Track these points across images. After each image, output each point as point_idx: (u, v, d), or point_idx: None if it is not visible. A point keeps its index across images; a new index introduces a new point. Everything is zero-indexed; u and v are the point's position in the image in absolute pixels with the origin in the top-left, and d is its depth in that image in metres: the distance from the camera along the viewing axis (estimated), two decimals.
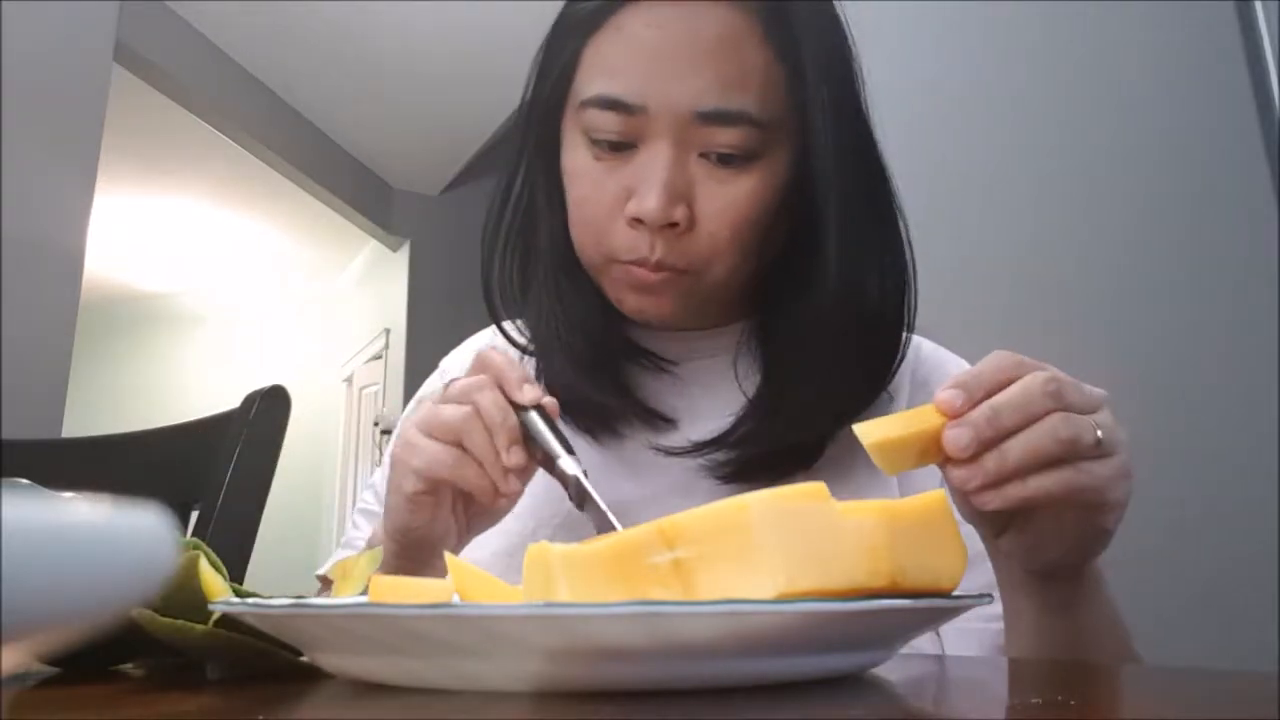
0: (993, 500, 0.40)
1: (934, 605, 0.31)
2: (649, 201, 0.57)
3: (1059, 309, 1.35)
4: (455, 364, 0.79)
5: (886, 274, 0.64)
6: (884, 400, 0.65)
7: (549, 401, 0.54)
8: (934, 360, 0.70)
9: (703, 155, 0.59)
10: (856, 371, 0.63)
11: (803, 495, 0.30)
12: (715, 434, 0.63)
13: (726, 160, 0.59)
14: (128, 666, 0.40)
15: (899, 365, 0.65)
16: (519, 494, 0.54)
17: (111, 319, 6.25)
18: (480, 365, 0.55)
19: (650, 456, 0.65)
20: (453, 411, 0.53)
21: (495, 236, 0.70)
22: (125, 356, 6.33)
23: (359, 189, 4.91)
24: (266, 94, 4.20)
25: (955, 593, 0.32)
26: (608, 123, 0.59)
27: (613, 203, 0.60)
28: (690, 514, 0.31)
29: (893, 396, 0.66)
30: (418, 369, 4.82)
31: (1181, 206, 1.37)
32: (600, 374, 0.65)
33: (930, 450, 0.40)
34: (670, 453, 0.63)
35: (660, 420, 0.66)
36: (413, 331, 4.98)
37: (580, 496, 0.53)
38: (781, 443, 0.61)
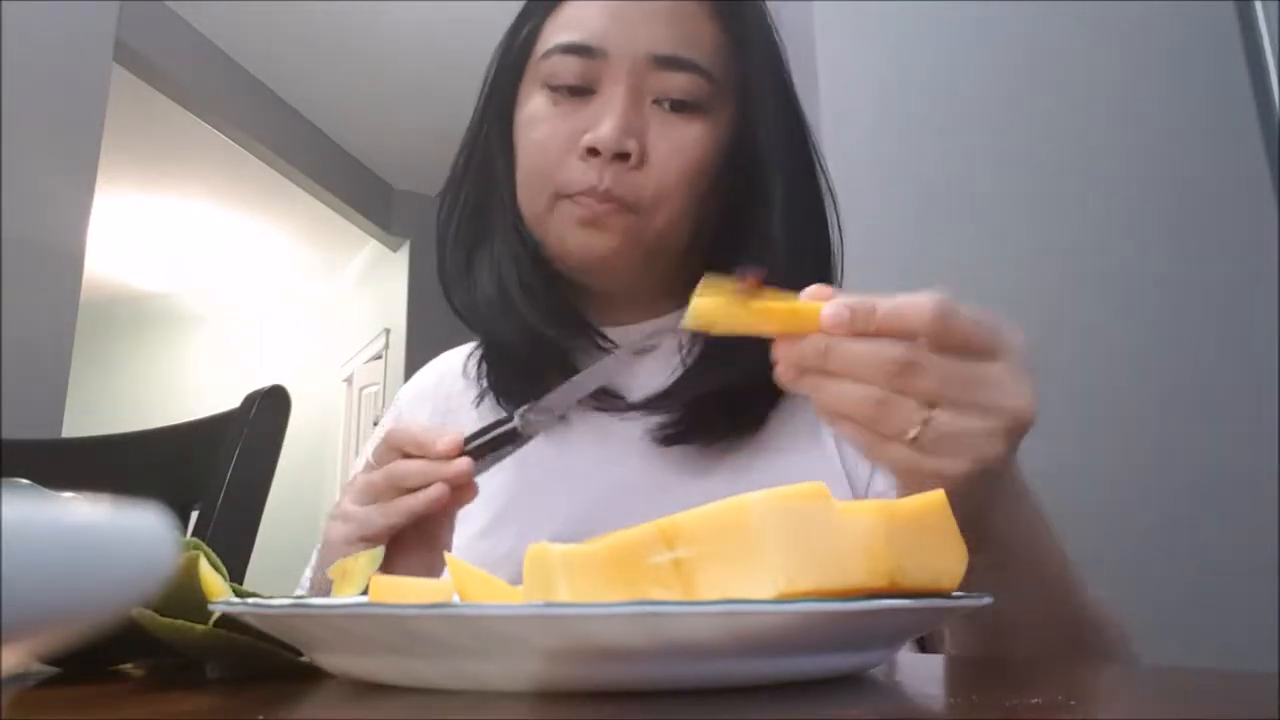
0: (791, 376, 0.40)
1: (934, 605, 0.31)
2: (604, 129, 0.61)
3: (1059, 308, 1.35)
4: (406, 394, 0.80)
5: (819, 255, 0.68)
6: None
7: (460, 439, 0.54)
8: None
9: (656, 102, 0.63)
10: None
11: (803, 495, 0.30)
12: (653, 394, 0.65)
13: (679, 107, 0.63)
14: (128, 666, 0.40)
15: None
16: (468, 473, 0.53)
17: (111, 319, 6.25)
18: (391, 442, 0.54)
19: (593, 431, 0.66)
20: (368, 476, 0.54)
21: (447, 220, 0.71)
22: (125, 356, 6.33)
23: (359, 189, 4.91)
24: (266, 94, 4.20)
25: (954, 593, 0.32)
26: (568, 66, 0.64)
27: (567, 142, 0.63)
28: (690, 514, 0.31)
29: None
30: (417, 369, 4.81)
31: (1181, 206, 1.37)
32: (548, 346, 0.66)
33: (759, 322, 0.39)
34: (611, 411, 0.65)
35: (605, 395, 0.66)
36: (413, 331, 4.98)
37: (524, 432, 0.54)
38: (712, 391, 0.62)
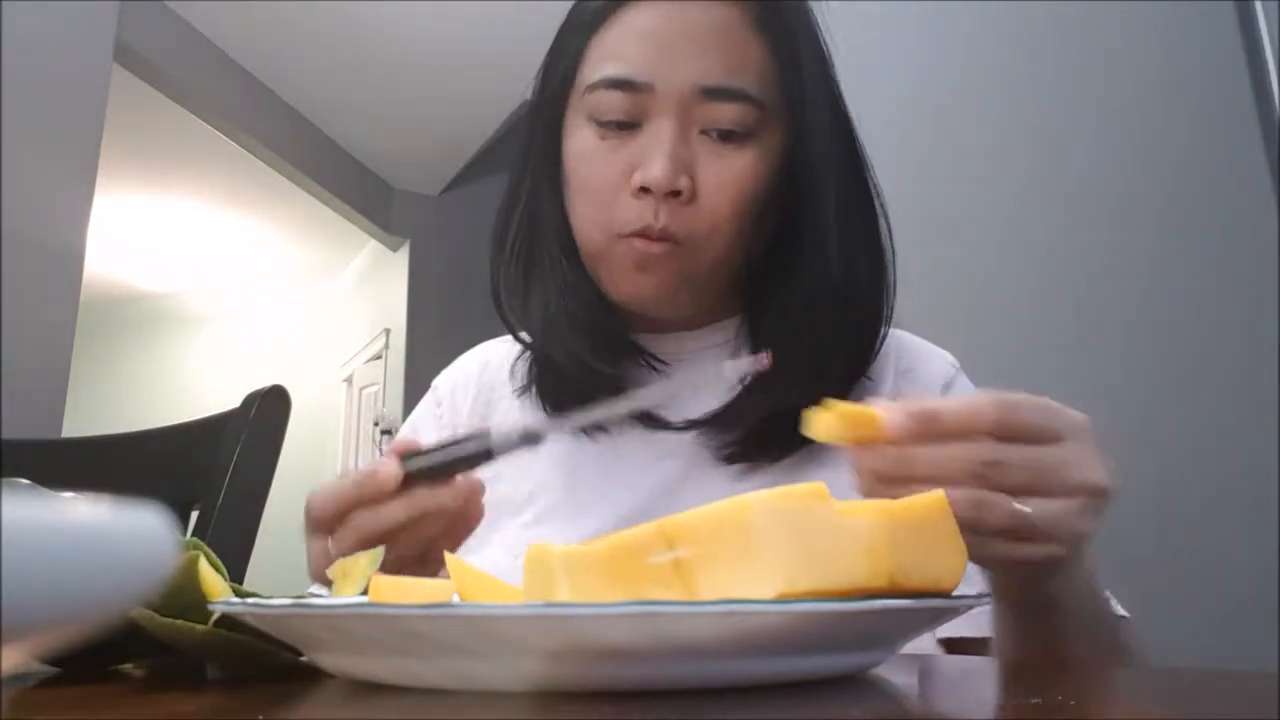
0: (869, 485, 0.40)
1: (934, 605, 0.31)
2: (654, 169, 0.60)
3: (1059, 309, 1.35)
4: (446, 381, 0.80)
5: (873, 263, 0.67)
6: (865, 385, 0.67)
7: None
8: (916, 350, 0.72)
9: (703, 133, 0.62)
10: (840, 352, 0.64)
11: (803, 495, 0.30)
12: (707, 414, 0.65)
13: (726, 136, 0.62)
14: (128, 666, 0.40)
15: (879, 349, 0.67)
16: (394, 479, 0.50)
17: (111, 319, 6.25)
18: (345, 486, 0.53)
19: (644, 451, 0.66)
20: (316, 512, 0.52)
21: (503, 238, 0.71)
22: (125, 356, 6.33)
23: (359, 189, 4.91)
24: (267, 94, 4.20)
25: (955, 592, 0.32)
26: (614, 102, 0.62)
27: (618, 178, 0.62)
28: (690, 514, 0.31)
29: (875, 382, 0.67)
30: (418, 369, 4.82)
31: (1181, 206, 1.37)
32: (598, 372, 0.66)
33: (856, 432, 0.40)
34: (666, 428, 0.65)
35: (651, 419, 0.67)
36: (413, 331, 4.98)
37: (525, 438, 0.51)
38: (769, 413, 0.62)
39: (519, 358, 0.74)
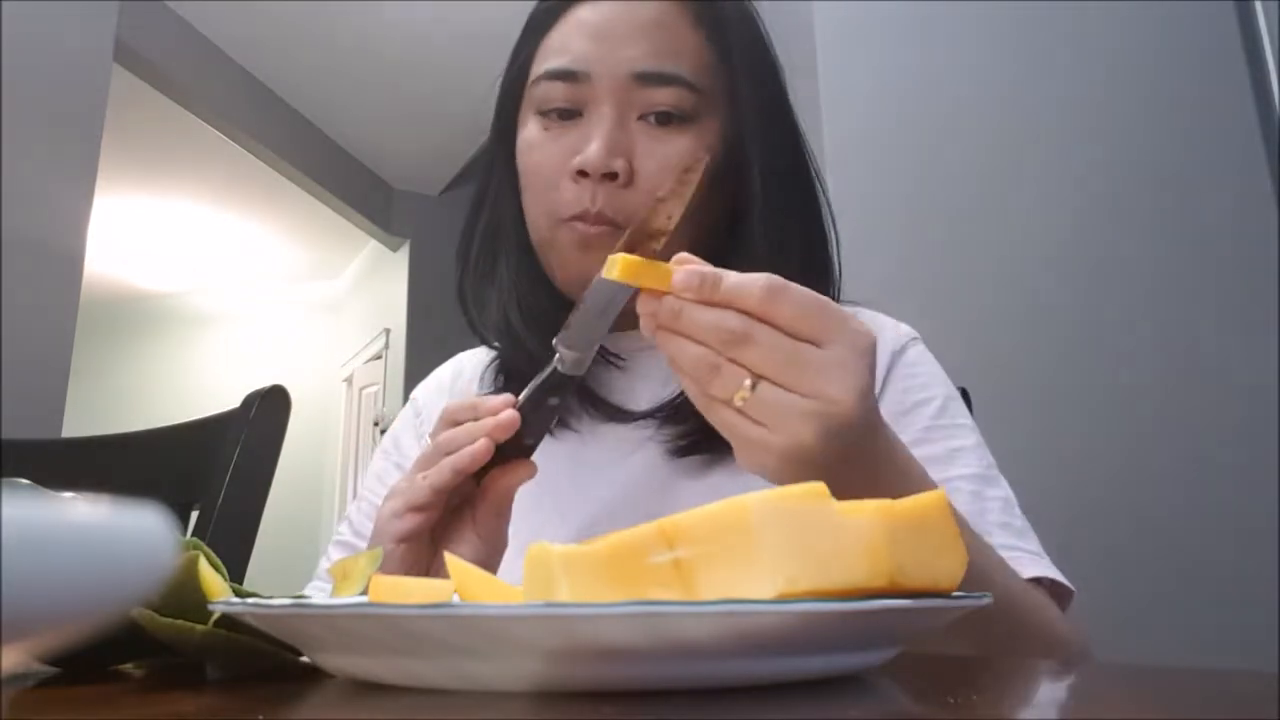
0: (649, 327, 0.43)
1: (934, 605, 0.31)
2: (590, 150, 0.62)
3: (1059, 309, 1.35)
4: (423, 391, 0.82)
5: (813, 245, 0.69)
6: None
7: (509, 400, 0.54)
8: (871, 322, 0.71)
9: (642, 119, 0.64)
10: None
11: (803, 495, 0.30)
12: (663, 402, 0.66)
13: (664, 121, 0.64)
14: (128, 666, 0.40)
15: None
16: (512, 421, 0.52)
17: (111, 319, 6.25)
18: (445, 416, 0.55)
19: (605, 448, 0.67)
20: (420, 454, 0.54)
21: (467, 252, 0.74)
22: (125, 356, 6.33)
23: (359, 189, 4.91)
24: (266, 94, 4.20)
25: (955, 593, 0.32)
26: (555, 92, 0.65)
27: (559, 164, 0.64)
28: (690, 514, 0.31)
29: None
30: (418, 369, 4.80)
31: (1181, 206, 1.37)
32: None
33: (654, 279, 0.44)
34: (621, 422, 0.67)
35: (610, 409, 0.68)
36: (413, 331, 4.98)
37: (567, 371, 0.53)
38: None
39: (489, 365, 0.75)
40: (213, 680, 0.35)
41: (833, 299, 0.67)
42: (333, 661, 0.32)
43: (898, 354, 0.69)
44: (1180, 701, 0.29)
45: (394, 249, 5.31)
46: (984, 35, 1.47)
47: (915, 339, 0.72)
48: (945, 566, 0.31)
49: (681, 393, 0.65)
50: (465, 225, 0.75)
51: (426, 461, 0.53)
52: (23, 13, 1.89)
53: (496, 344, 0.72)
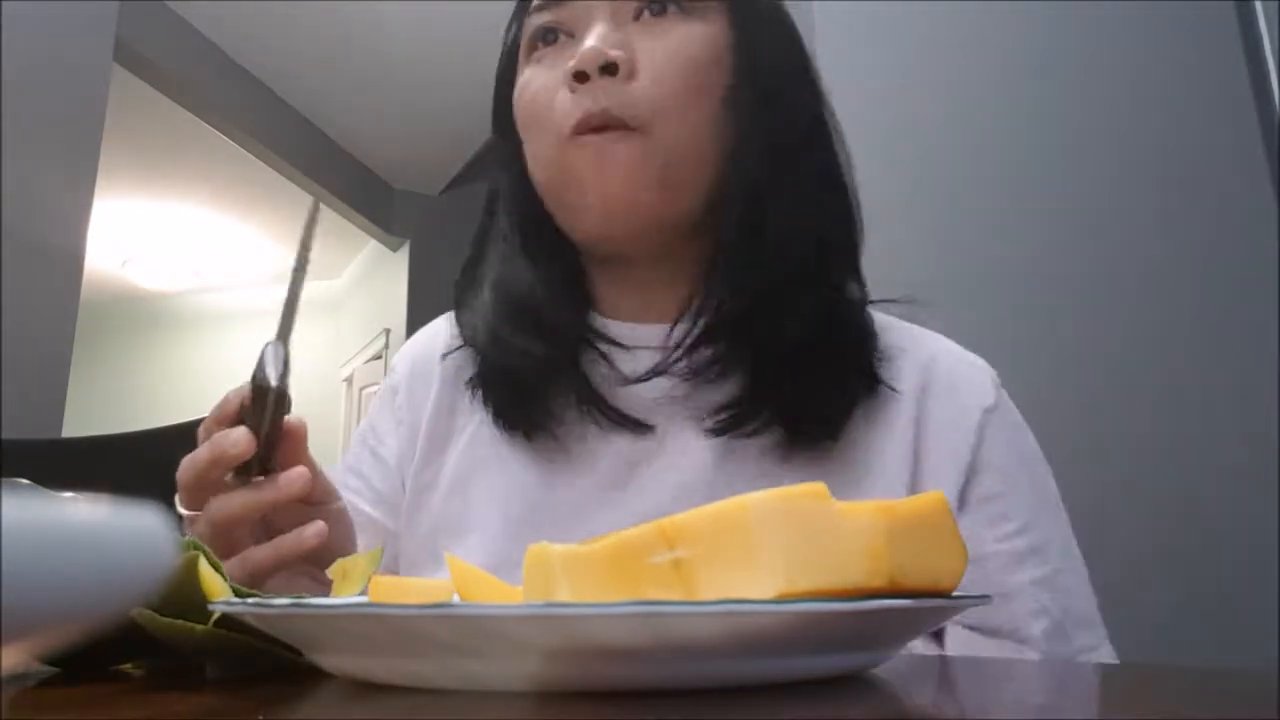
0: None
1: (934, 605, 0.30)
2: (583, 48, 0.58)
3: (1059, 309, 1.35)
4: (401, 357, 0.81)
5: (829, 208, 0.66)
6: (885, 394, 0.61)
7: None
8: (956, 363, 0.65)
9: (637, 19, 0.61)
10: (792, 311, 0.60)
11: (803, 495, 0.30)
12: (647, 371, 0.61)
13: (660, 11, 0.60)
14: (128, 666, 0.40)
15: (872, 340, 0.62)
16: (247, 450, 0.52)
17: (111, 319, 6.25)
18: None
19: (587, 452, 0.62)
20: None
21: (484, 236, 0.71)
22: (125, 356, 6.33)
23: (359, 189, 4.91)
24: (266, 94, 4.20)
25: (955, 593, 0.32)
26: (543, 20, 0.62)
27: (556, 82, 0.61)
28: (690, 514, 0.31)
29: (897, 392, 0.61)
30: None
31: (1181, 206, 1.37)
32: (551, 361, 0.62)
33: None
34: (637, 380, 0.61)
35: (615, 415, 0.62)
36: (413, 331, 4.95)
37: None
38: (741, 390, 0.59)
39: (450, 355, 0.72)
40: (212, 680, 0.35)
41: (860, 288, 0.64)
42: (333, 661, 0.32)
43: (990, 411, 0.62)
44: (1181, 701, 0.29)
45: (394, 249, 5.31)
46: (984, 35, 1.47)
47: (997, 385, 0.64)
48: (945, 566, 0.31)
49: (669, 356, 0.61)
50: (465, 269, 0.71)
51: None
52: (23, 13, 1.89)
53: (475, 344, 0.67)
